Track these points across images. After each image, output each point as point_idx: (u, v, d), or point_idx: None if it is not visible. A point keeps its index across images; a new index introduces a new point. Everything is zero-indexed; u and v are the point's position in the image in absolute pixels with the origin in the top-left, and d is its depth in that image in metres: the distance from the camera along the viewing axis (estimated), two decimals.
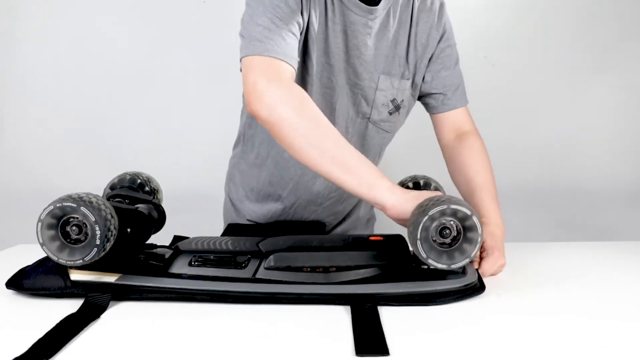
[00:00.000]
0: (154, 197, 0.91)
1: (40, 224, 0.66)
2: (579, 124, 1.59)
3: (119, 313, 0.67)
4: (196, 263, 0.73)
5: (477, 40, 1.57)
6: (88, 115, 1.69)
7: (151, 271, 0.72)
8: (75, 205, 0.66)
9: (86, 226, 0.67)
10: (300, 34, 0.83)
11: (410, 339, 0.58)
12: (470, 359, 0.53)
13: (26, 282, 0.73)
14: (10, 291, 0.73)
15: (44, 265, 0.74)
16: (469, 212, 0.67)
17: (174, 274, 0.72)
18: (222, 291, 0.70)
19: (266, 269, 0.72)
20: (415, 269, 0.73)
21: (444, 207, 0.66)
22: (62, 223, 0.67)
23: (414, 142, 1.63)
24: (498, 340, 0.57)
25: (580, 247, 0.98)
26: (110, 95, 1.68)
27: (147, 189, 0.92)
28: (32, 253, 0.96)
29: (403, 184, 0.91)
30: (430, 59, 0.94)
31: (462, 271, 0.72)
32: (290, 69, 0.80)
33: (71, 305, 0.69)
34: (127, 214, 0.74)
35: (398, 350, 0.55)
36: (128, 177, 0.92)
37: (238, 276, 0.71)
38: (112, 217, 0.68)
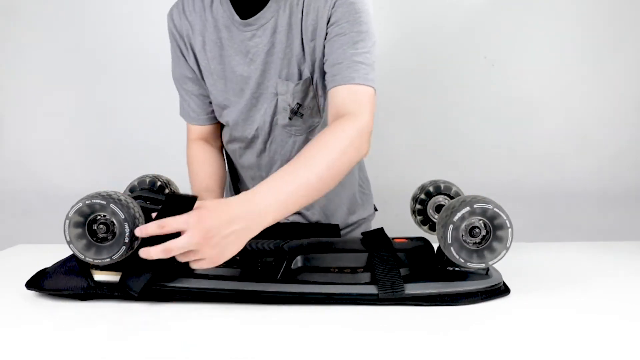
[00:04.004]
0: None
1: (67, 221, 0.65)
2: (579, 124, 1.61)
3: (141, 311, 0.66)
4: (222, 264, 0.73)
5: (477, 40, 1.59)
6: (89, 115, 1.67)
7: (177, 272, 0.72)
8: (104, 203, 0.65)
9: (114, 225, 0.66)
10: (200, 72, 0.96)
11: (429, 338, 0.58)
12: (484, 358, 0.54)
13: (47, 282, 0.72)
14: (23, 292, 0.72)
15: (65, 266, 0.73)
16: (495, 209, 0.68)
17: (200, 274, 0.72)
18: (250, 291, 0.69)
19: (293, 269, 0.72)
20: (441, 271, 0.73)
21: (468, 208, 0.68)
22: (89, 221, 0.66)
23: (430, 146, 1.65)
24: (504, 340, 0.58)
25: (580, 247, 0.99)
26: (111, 95, 1.66)
27: (167, 191, 0.92)
28: (32, 253, 0.96)
29: (424, 188, 0.92)
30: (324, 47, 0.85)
31: (486, 273, 0.73)
32: (191, 128, 1.03)
33: (92, 306, 0.68)
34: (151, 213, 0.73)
35: (415, 349, 0.55)
36: (148, 180, 0.91)
37: (265, 277, 0.71)
38: (140, 215, 0.68)
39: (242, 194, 0.68)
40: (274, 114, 0.92)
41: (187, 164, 1.02)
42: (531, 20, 1.57)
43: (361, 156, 0.79)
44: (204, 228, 0.61)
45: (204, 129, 1.02)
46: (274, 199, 0.67)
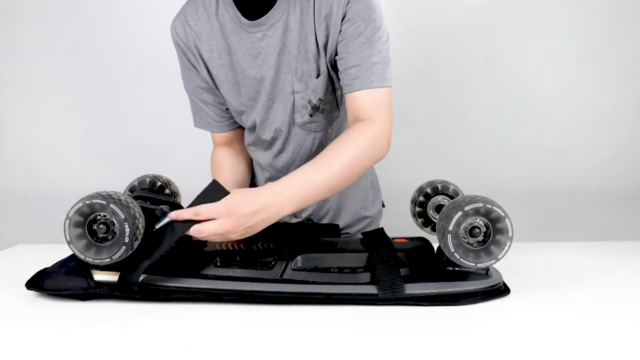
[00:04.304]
0: (174, 200, 0.90)
1: (68, 221, 0.65)
2: (579, 124, 1.61)
3: (141, 312, 0.67)
4: (222, 264, 0.73)
5: (477, 41, 1.59)
6: (89, 115, 1.67)
7: (176, 272, 0.72)
8: (104, 203, 0.65)
9: (114, 224, 0.66)
10: (212, 81, 0.95)
11: (429, 338, 0.59)
12: (484, 358, 0.54)
13: (47, 282, 0.72)
14: (23, 292, 0.72)
15: (65, 266, 0.73)
16: (495, 208, 0.68)
17: (199, 274, 0.72)
18: (251, 291, 0.69)
19: (293, 269, 0.72)
20: (441, 271, 0.74)
21: (468, 207, 0.68)
22: (89, 221, 0.66)
23: (430, 146, 1.64)
24: (504, 340, 0.58)
25: (580, 247, 0.99)
26: (111, 95, 1.66)
27: (167, 191, 0.92)
28: (32, 253, 0.96)
29: (422, 190, 0.92)
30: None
31: (486, 273, 0.73)
32: (214, 135, 1.03)
33: (92, 306, 0.68)
34: (152, 214, 0.74)
35: (415, 349, 0.55)
36: (148, 180, 0.91)
37: (265, 277, 0.71)
38: (140, 215, 0.68)
39: (268, 186, 0.76)
40: (292, 113, 0.91)
41: (210, 167, 1.02)
42: (531, 20, 1.57)
43: (380, 157, 0.85)
44: (233, 217, 0.70)
45: (227, 135, 1.02)
46: (294, 193, 0.75)
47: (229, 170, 1.00)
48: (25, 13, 1.63)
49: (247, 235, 0.73)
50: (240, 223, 0.70)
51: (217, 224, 0.70)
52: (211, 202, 0.70)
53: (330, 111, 0.92)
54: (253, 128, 0.97)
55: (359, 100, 0.84)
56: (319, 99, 0.89)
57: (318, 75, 0.88)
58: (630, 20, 1.56)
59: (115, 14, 1.62)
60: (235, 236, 0.72)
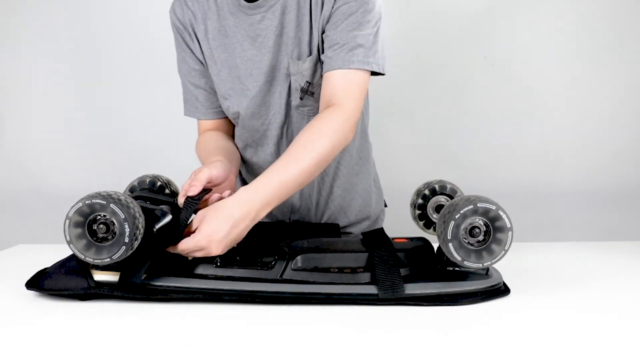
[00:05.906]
0: (174, 200, 0.90)
1: (67, 221, 0.65)
2: (579, 124, 1.61)
3: (141, 311, 0.67)
4: (222, 264, 0.73)
5: (477, 41, 1.59)
6: (88, 115, 1.67)
7: (176, 272, 0.72)
8: (104, 203, 0.65)
9: (114, 224, 0.66)
10: (206, 64, 0.94)
11: (429, 338, 0.59)
12: (484, 358, 0.54)
13: (47, 282, 0.72)
14: (23, 292, 0.72)
15: (65, 266, 0.73)
16: (496, 209, 0.68)
17: (199, 274, 0.72)
18: (251, 291, 0.70)
19: (293, 269, 0.72)
20: (441, 271, 0.74)
21: (469, 207, 0.68)
22: (89, 221, 0.66)
23: (430, 146, 1.65)
24: (504, 340, 0.58)
25: (580, 247, 0.99)
26: (110, 95, 1.66)
27: (167, 191, 0.91)
28: (32, 253, 0.96)
29: (419, 192, 0.92)
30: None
31: (486, 273, 0.73)
32: (201, 123, 1.00)
33: (92, 306, 0.68)
34: (152, 214, 0.74)
35: (415, 349, 0.55)
36: (148, 180, 0.91)
37: (266, 277, 0.71)
38: (139, 215, 0.68)
39: (239, 195, 0.75)
40: (288, 96, 0.91)
41: (196, 152, 0.99)
42: (531, 20, 1.58)
43: (346, 145, 0.84)
44: (214, 243, 0.70)
45: (214, 122, 1.00)
46: (265, 197, 0.75)
47: (222, 142, 0.96)
48: (26, 13, 1.63)
49: (228, 247, 0.73)
50: (215, 236, 0.70)
51: (194, 241, 0.70)
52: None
53: (320, 95, 0.90)
54: (246, 115, 0.94)
55: (334, 80, 0.83)
56: (307, 81, 0.88)
57: (308, 56, 0.87)
58: (630, 20, 1.56)
59: (116, 14, 1.62)
60: (217, 251, 0.71)
